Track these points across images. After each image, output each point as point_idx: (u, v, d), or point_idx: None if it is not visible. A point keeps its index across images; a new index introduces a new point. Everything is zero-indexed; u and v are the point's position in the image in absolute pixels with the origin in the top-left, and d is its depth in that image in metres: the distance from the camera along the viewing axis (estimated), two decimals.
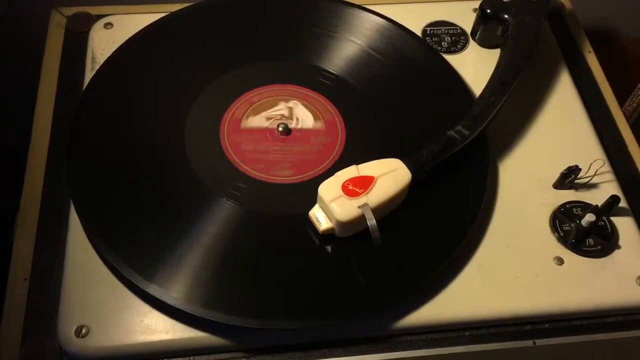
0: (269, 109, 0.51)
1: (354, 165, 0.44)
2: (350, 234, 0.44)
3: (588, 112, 0.55)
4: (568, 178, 0.49)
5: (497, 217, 0.49)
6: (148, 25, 0.55)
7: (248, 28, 0.56)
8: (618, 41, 0.86)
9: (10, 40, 0.76)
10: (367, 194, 0.42)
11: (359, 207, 0.42)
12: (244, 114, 0.50)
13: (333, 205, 0.42)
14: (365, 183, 0.43)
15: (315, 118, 0.51)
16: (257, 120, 0.51)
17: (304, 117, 0.51)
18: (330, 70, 0.54)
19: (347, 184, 0.43)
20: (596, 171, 0.49)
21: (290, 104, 0.51)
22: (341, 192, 0.42)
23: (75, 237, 0.45)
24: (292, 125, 0.51)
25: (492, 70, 0.51)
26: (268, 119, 0.51)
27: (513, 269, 0.46)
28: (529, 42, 0.53)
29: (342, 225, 0.42)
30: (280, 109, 0.51)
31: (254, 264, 0.44)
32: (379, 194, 0.43)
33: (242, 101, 0.51)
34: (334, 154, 0.49)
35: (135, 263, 0.43)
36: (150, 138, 0.49)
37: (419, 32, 0.58)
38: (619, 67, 0.68)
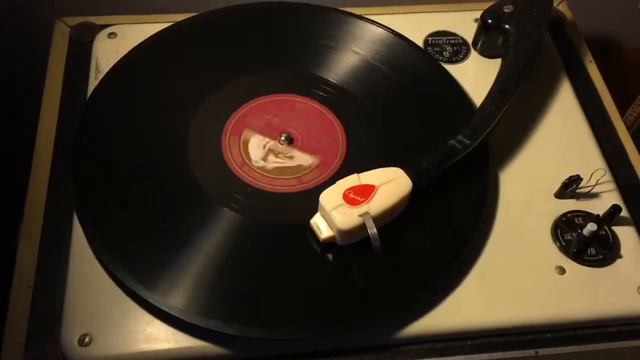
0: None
1: (355, 174, 0.44)
2: (351, 242, 0.44)
3: (589, 121, 0.55)
4: (569, 187, 0.49)
5: (499, 226, 0.49)
6: (152, 35, 0.55)
7: (251, 38, 0.56)
8: (619, 51, 0.86)
9: (14, 50, 0.77)
10: (368, 202, 0.43)
11: (359, 216, 0.42)
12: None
13: (334, 214, 0.42)
14: (366, 192, 0.43)
15: (260, 132, 0.51)
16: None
17: (254, 144, 0.50)
18: (331, 80, 0.54)
19: (348, 192, 0.43)
20: (597, 181, 0.49)
21: (249, 137, 0.50)
22: (342, 201, 0.43)
23: (79, 247, 0.46)
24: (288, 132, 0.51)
25: (493, 80, 0.52)
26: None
27: (515, 278, 0.46)
28: (530, 52, 0.53)
29: (343, 233, 0.43)
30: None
31: (255, 274, 0.44)
32: (379, 203, 0.43)
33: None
34: (335, 162, 0.49)
35: (137, 272, 0.43)
36: (153, 148, 0.50)
37: (420, 42, 0.59)
38: (619, 77, 0.68)
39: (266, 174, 0.48)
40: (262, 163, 0.49)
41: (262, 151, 0.50)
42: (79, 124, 0.50)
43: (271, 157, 0.49)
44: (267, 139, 0.51)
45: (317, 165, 0.49)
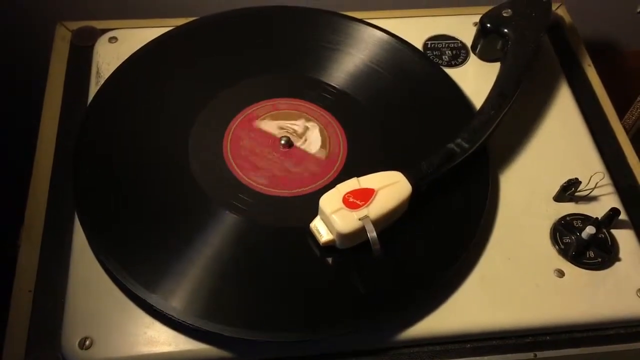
0: (288, 120, 0.52)
1: (355, 178, 0.44)
2: (351, 245, 0.44)
3: (588, 125, 0.55)
4: (568, 190, 0.50)
5: (498, 229, 0.49)
6: (152, 40, 0.56)
7: (251, 42, 0.57)
8: (617, 54, 0.87)
9: (15, 54, 0.77)
10: (367, 206, 0.43)
11: (359, 219, 0.42)
12: (264, 114, 0.51)
13: (334, 217, 0.43)
14: (366, 195, 0.43)
15: (322, 147, 0.50)
16: (270, 125, 0.51)
17: (312, 141, 0.51)
18: (332, 84, 0.54)
19: (348, 196, 0.43)
20: (596, 184, 0.50)
21: (310, 124, 0.51)
22: (342, 204, 0.43)
23: (79, 250, 0.46)
24: (298, 143, 0.51)
25: (492, 83, 0.52)
26: (281, 128, 0.51)
27: (514, 281, 0.46)
28: (528, 56, 0.53)
29: (343, 237, 0.43)
30: (297, 124, 0.51)
31: (255, 276, 0.44)
32: (379, 206, 0.43)
33: (268, 104, 0.52)
34: (336, 166, 0.50)
35: (138, 275, 0.43)
36: (154, 152, 0.50)
37: (420, 46, 0.59)
38: (618, 80, 0.68)
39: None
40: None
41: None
42: (80, 128, 0.50)
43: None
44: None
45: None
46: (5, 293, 0.45)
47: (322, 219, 0.44)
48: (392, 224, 0.45)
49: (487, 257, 0.47)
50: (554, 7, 0.64)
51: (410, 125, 0.53)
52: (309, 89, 0.54)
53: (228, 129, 0.51)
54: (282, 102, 0.53)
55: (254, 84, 0.54)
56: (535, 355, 0.45)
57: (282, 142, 0.50)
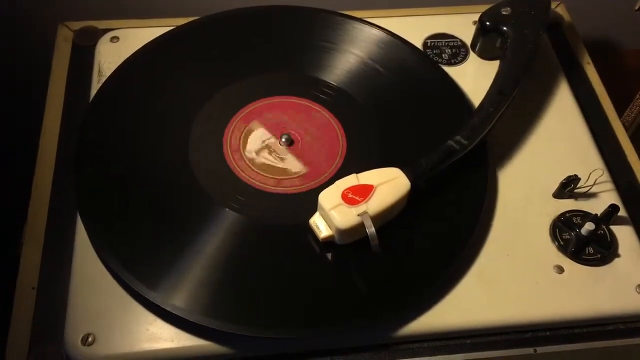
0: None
1: (354, 174, 0.45)
2: (350, 241, 0.44)
3: (587, 122, 0.55)
4: (567, 187, 0.50)
5: (497, 226, 0.49)
6: (154, 39, 0.56)
7: (251, 41, 0.57)
8: (617, 53, 0.87)
9: (15, 54, 0.77)
10: (366, 202, 0.43)
11: (358, 215, 0.42)
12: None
13: (333, 213, 0.43)
14: (364, 191, 0.43)
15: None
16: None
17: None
18: (331, 83, 0.55)
19: (347, 192, 0.43)
20: (595, 180, 0.50)
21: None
22: (341, 201, 0.43)
23: (82, 247, 0.46)
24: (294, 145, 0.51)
25: (491, 81, 0.52)
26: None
27: (513, 277, 0.47)
28: (527, 54, 0.53)
29: (342, 232, 0.43)
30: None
31: (256, 273, 0.44)
32: (378, 202, 0.43)
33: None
34: (335, 163, 0.50)
35: (139, 272, 0.43)
36: (156, 150, 0.50)
37: (419, 45, 0.59)
38: (617, 78, 0.68)
39: (252, 166, 0.49)
40: (253, 155, 0.50)
41: (259, 145, 0.51)
42: (82, 127, 0.50)
43: (264, 153, 0.50)
44: (269, 136, 0.51)
45: (303, 175, 0.49)
46: (9, 290, 0.45)
47: (322, 215, 0.45)
48: (391, 221, 0.46)
49: (486, 254, 0.47)
50: (553, 6, 0.64)
51: (409, 122, 0.53)
52: (309, 88, 0.54)
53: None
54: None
55: (254, 83, 0.54)
56: (535, 351, 0.45)
57: (283, 140, 0.51)
